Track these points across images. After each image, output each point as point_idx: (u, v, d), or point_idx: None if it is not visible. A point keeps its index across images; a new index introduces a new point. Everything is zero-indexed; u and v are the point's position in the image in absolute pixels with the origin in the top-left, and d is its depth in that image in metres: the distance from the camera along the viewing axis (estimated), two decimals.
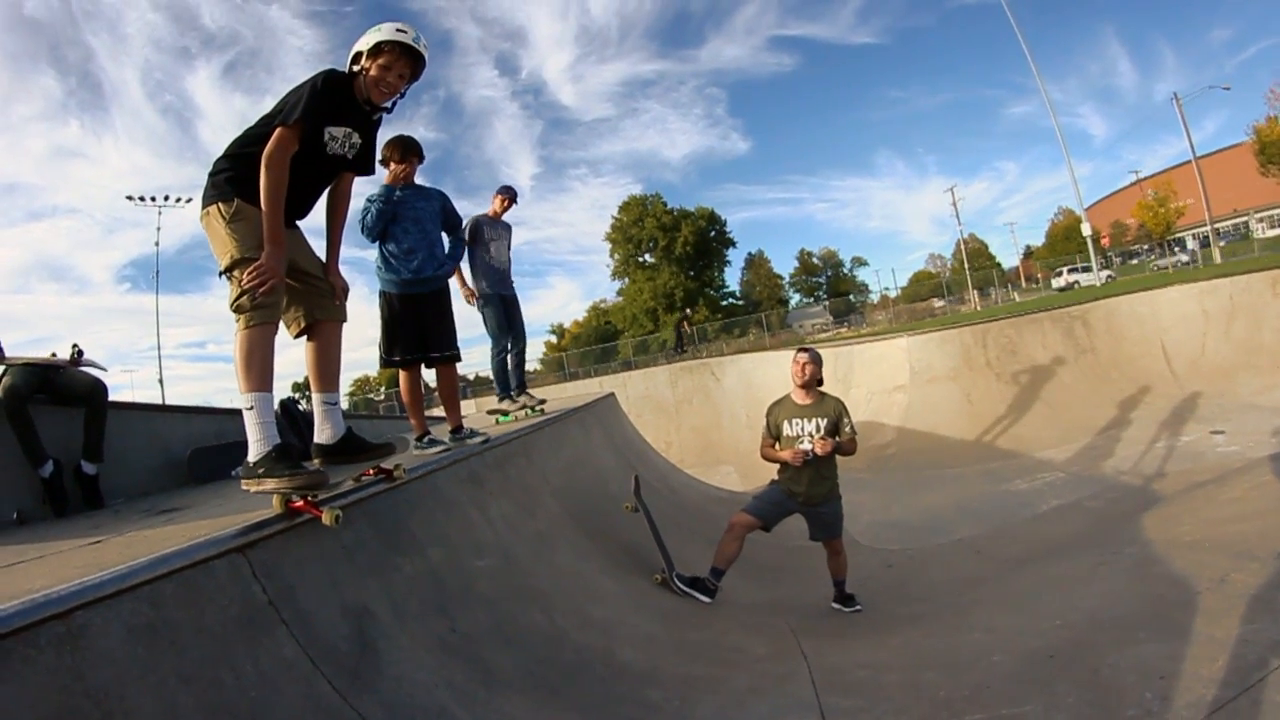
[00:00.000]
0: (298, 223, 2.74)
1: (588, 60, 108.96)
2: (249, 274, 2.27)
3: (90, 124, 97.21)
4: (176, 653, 1.67)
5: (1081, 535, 5.67)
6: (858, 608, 4.62)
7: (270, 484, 2.26)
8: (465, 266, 5.67)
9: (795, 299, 63.40)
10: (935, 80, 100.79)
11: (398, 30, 2.63)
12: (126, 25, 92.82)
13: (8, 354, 4.17)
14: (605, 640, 3.37)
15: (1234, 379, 9.53)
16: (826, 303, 53.90)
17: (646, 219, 55.64)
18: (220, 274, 2.40)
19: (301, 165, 2.49)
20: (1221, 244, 34.70)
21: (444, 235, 4.40)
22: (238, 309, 2.30)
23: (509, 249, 6.08)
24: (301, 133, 2.45)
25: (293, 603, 2.10)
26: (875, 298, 52.40)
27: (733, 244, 59.06)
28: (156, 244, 34.45)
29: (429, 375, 4.60)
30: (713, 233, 57.54)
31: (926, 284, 52.61)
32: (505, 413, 6.12)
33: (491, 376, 6.33)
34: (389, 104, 2.76)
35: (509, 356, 6.01)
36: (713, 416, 18.25)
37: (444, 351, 4.21)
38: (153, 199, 31.79)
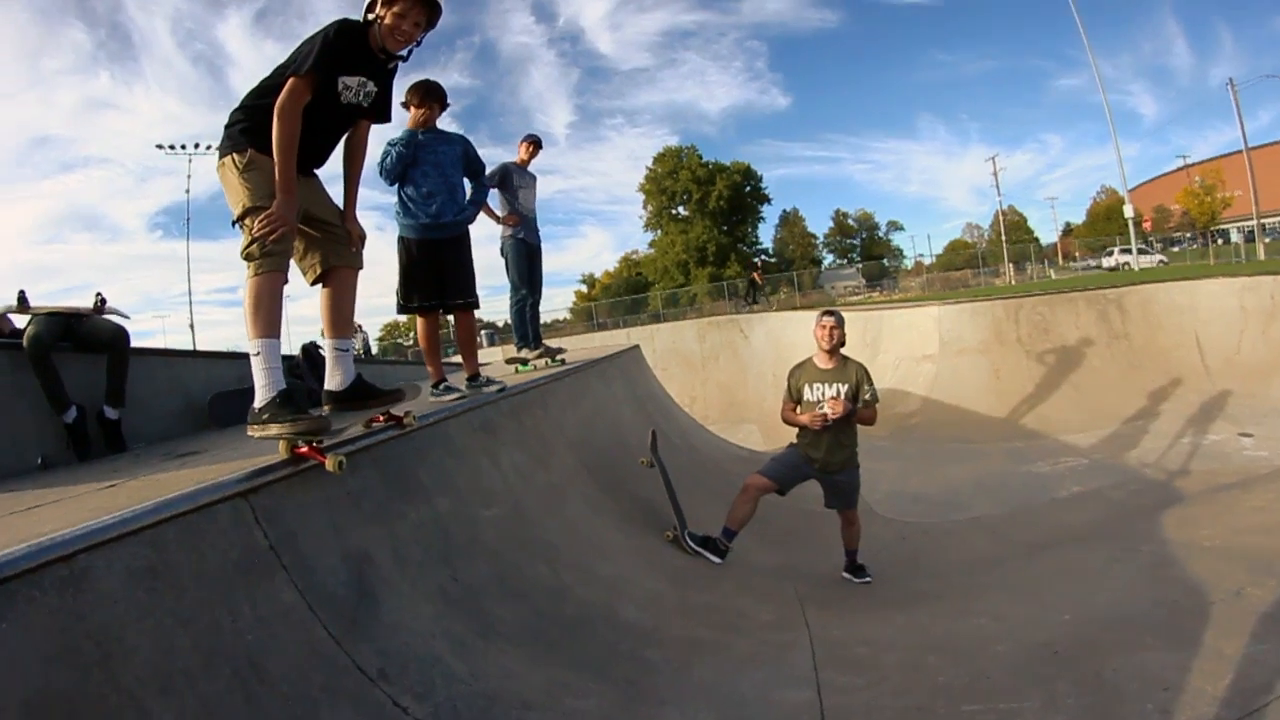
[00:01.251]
0: (315, 171, 2.75)
1: (627, 8, 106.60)
2: (260, 222, 2.29)
3: (120, 74, 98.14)
4: (175, 596, 1.70)
5: (1099, 525, 5.59)
6: (867, 579, 4.60)
7: (274, 429, 2.28)
8: (492, 205, 5.62)
9: (828, 260, 62.31)
10: (983, 45, 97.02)
11: None
12: None
13: (33, 304, 4.25)
14: (609, 597, 3.36)
15: (1268, 381, 9.16)
16: (859, 265, 52.97)
17: (681, 171, 54.65)
18: (233, 223, 2.42)
19: (315, 114, 2.49)
20: (1267, 240, 33.18)
21: (465, 180, 4.32)
22: (248, 256, 2.31)
23: (535, 198, 6.03)
24: (314, 83, 2.44)
25: (294, 548, 2.12)
26: (909, 264, 51.47)
27: (768, 200, 57.93)
28: (187, 191, 35.09)
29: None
30: (748, 188, 56.37)
31: (962, 254, 51.34)
32: (525, 361, 6.10)
33: (511, 325, 6.29)
34: (405, 52, 2.75)
35: (527, 307, 5.98)
36: (739, 374, 18.19)
37: (462, 298, 4.13)
38: (183, 147, 32.65)
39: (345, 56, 2.55)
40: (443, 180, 4.08)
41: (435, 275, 4.04)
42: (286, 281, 2.41)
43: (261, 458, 2.35)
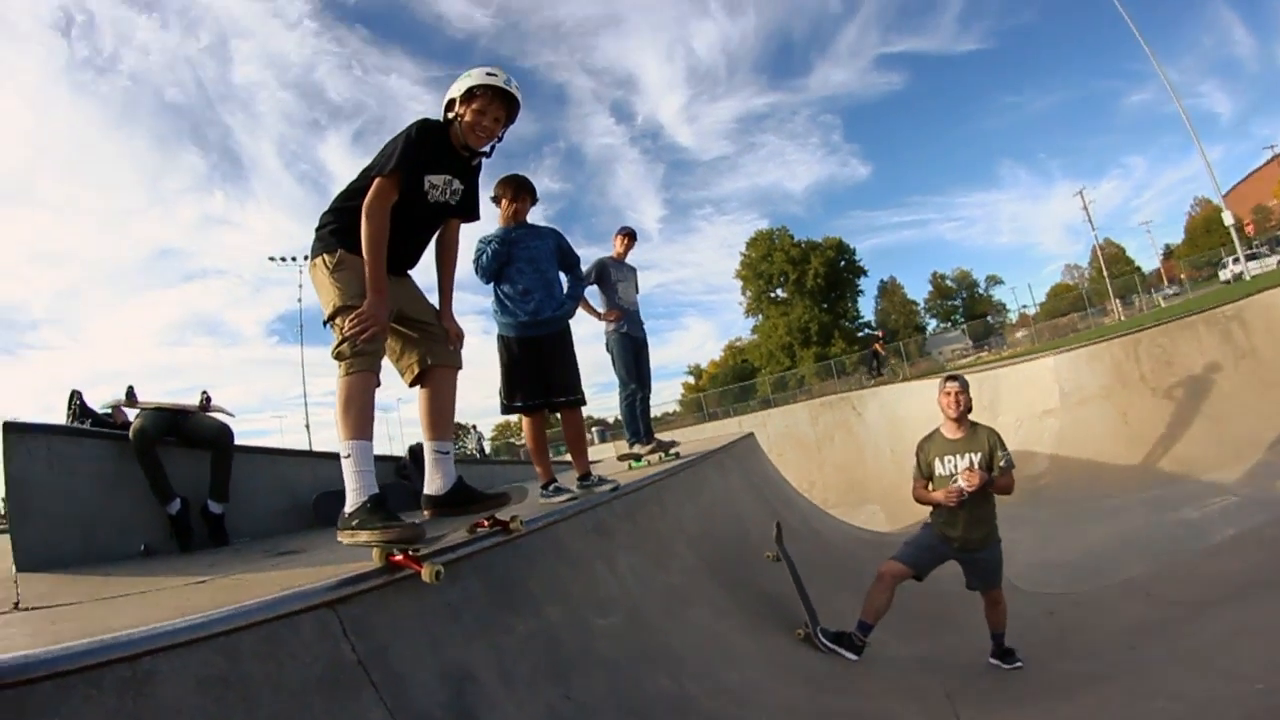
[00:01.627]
0: (408, 272, 2.79)
1: (700, 100, 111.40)
2: (350, 321, 2.30)
3: (234, 193, 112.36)
4: (247, 710, 1.60)
5: (1265, 571, 5.12)
6: (1018, 664, 4.24)
7: (364, 536, 2.19)
8: (592, 300, 5.67)
9: (931, 325, 60.48)
10: (1046, 79, 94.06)
11: (488, 74, 2.65)
12: (259, 104, 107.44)
13: (141, 399, 4.49)
14: (739, 709, 3.10)
15: None
16: (964, 326, 51.15)
17: (775, 253, 55.63)
18: (324, 323, 2.44)
19: (404, 214, 2.53)
20: None
21: (561, 274, 4.25)
22: (338, 356, 2.32)
23: (636, 290, 6.04)
24: (399, 182, 2.49)
25: (385, 664, 1.97)
26: (1014, 316, 49.07)
27: (864, 272, 57.94)
28: (299, 300, 36.16)
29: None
30: (842, 262, 56.49)
31: (1065, 297, 48.38)
32: (638, 457, 6.00)
33: (621, 420, 6.20)
34: (487, 148, 2.79)
35: (637, 402, 5.93)
36: (855, 453, 17.83)
37: (567, 395, 4.05)
38: (293, 259, 34.40)
39: (429, 155, 2.60)
40: (538, 276, 4.03)
41: (538, 373, 3.99)
42: (379, 384, 2.40)
43: (354, 564, 2.26)
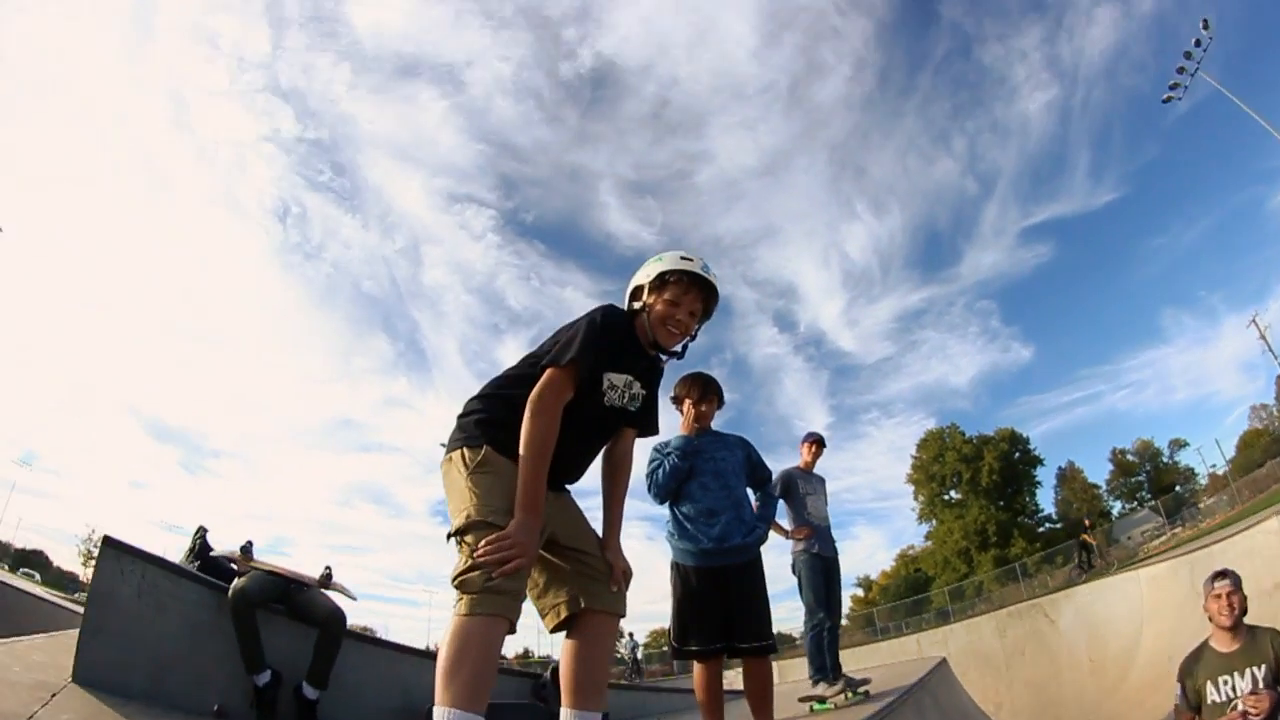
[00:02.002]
0: (567, 487, 2.26)
1: (858, 303, 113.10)
2: (488, 544, 1.75)
3: (416, 381, 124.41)
4: None
5: None
6: None
7: None
8: (780, 519, 5.10)
9: (1116, 508, 53.00)
10: (1188, 208, 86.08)
11: (683, 258, 2.26)
12: (445, 304, 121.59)
13: (257, 557, 4.22)
14: None
15: None
16: (1151, 504, 44.24)
17: (947, 453, 52.81)
18: (449, 536, 1.88)
19: (574, 417, 2.04)
20: None
21: (750, 491, 3.69)
22: (461, 586, 1.74)
23: (826, 503, 5.47)
24: (577, 376, 2.03)
25: None
26: (1203, 480, 41.87)
27: (1040, 462, 53.09)
28: None
29: None
30: (1016, 454, 52.27)
31: (1257, 445, 40.98)
32: (823, 700, 5.13)
33: (805, 654, 5.38)
34: (679, 347, 2.32)
35: (825, 632, 5.19)
36: (1049, 667, 15.06)
37: (754, 641, 3.28)
38: None
39: (613, 349, 2.15)
40: (726, 494, 3.45)
41: (720, 612, 3.30)
42: (512, 631, 1.78)
43: None
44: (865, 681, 5.32)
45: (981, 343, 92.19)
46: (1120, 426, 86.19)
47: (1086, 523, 32.89)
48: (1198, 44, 23.03)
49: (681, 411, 3.66)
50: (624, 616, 2.19)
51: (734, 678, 3.51)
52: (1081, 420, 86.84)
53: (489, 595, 1.73)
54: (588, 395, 2.11)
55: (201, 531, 4.50)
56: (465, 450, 2.00)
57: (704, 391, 3.62)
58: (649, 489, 3.58)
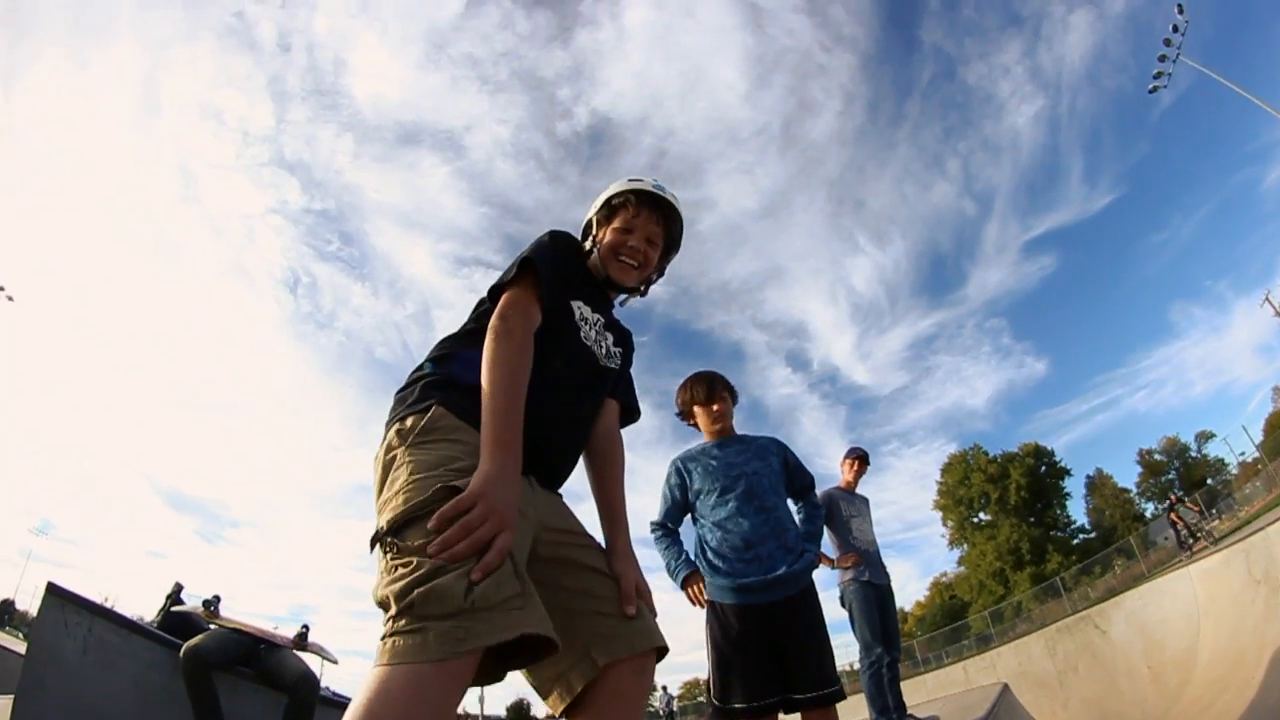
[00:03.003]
0: (556, 488, 1.63)
1: (869, 335, 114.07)
2: (446, 510, 1.11)
3: None
4: None
5: None
6: None
7: None
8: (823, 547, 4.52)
9: (1149, 509, 51.56)
10: (1184, 199, 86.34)
11: (630, 180, 1.84)
12: None
13: (224, 613, 3.87)
14: None
15: None
16: (1187, 500, 43.06)
17: (972, 475, 51.74)
18: (372, 541, 1.19)
19: (553, 361, 1.51)
20: None
21: (791, 504, 3.02)
22: (423, 601, 1.04)
23: (872, 525, 5.04)
24: (540, 290, 1.51)
25: None
26: (1234, 469, 40.63)
27: (1067, 473, 51.88)
28: None
29: None
30: (1043, 468, 51.26)
31: None
32: None
33: (864, 694, 4.80)
34: (638, 283, 1.84)
35: (884, 669, 4.67)
36: (1106, 680, 14.19)
37: (817, 689, 2.60)
38: None
39: (574, 273, 1.70)
40: (763, 518, 2.79)
41: (770, 657, 2.65)
42: (486, 682, 1.19)
43: None
44: (933, 719, 4.83)
45: (995, 361, 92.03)
46: (1144, 427, 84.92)
47: (1172, 498, 30.24)
48: (1175, 30, 23.12)
49: (696, 424, 3.09)
50: (664, 649, 1.45)
51: None
52: (1104, 426, 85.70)
53: (475, 617, 1.02)
54: (561, 329, 1.59)
55: (177, 588, 4.20)
56: (404, 420, 1.36)
57: (710, 388, 3.03)
58: (654, 531, 2.99)
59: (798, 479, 3.04)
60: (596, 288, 1.79)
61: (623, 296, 1.89)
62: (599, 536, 1.62)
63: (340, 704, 3.98)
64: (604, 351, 1.70)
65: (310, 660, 4.01)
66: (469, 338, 1.50)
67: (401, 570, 1.08)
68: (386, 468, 1.31)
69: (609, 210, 1.82)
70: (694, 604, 2.78)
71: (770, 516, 2.81)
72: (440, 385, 1.43)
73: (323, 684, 3.97)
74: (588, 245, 1.83)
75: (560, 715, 1.38)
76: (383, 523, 1.17)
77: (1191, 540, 22.92)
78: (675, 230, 1.87)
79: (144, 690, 3.40)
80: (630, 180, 1.84)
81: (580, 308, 1.66)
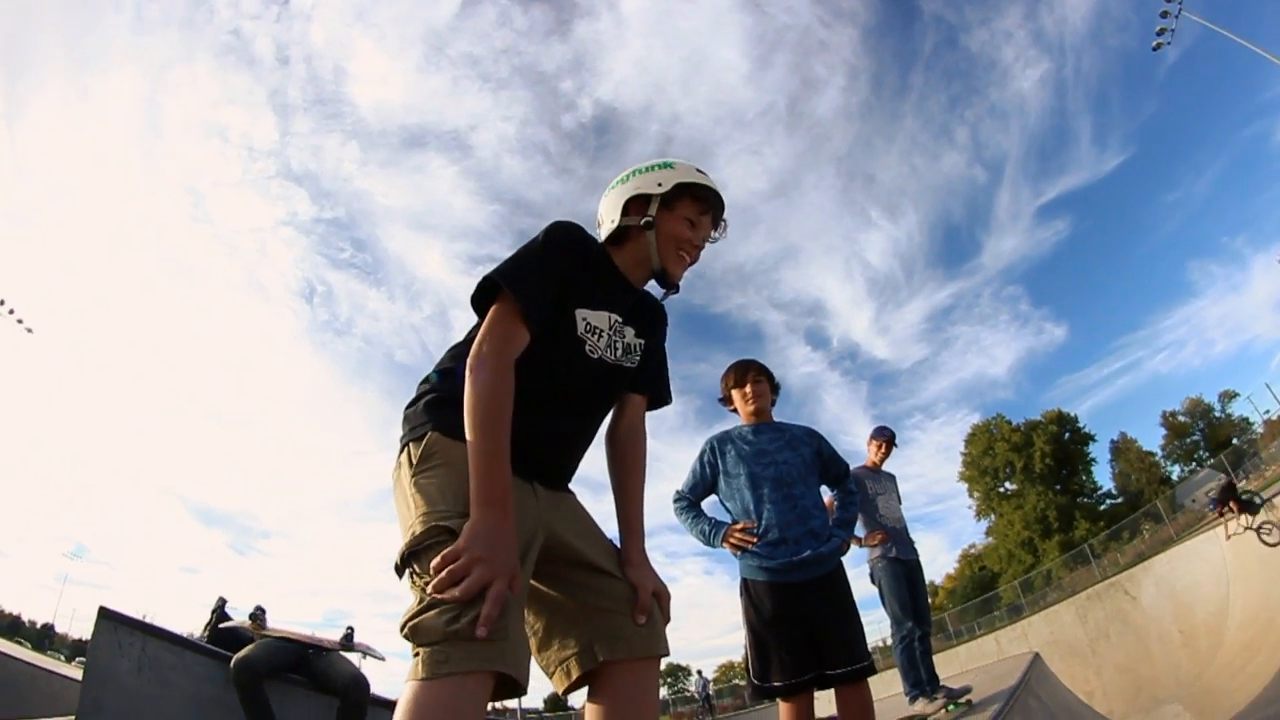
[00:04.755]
0: (566, 486, 1.66)
1: (887, 309, 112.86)
2: (437, 563, 1.19)
3: None
4: None
5: None
6: None
7: None
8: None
9: (1175, 471, 50.84)
10: (1195, 156, 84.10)
11: (699, 171, 1.72)
12: None
13: (270, 624, 3.97)
14: None
15: None
16: (1211, 461, 42.33)
17: (996, 444, 51.21)
18: (397, 569, 1.29)
19: (552, 378, 1.52)
20: None
21: (824, 490, 3.14)
22: (413, 634, 1.17)
23: (900, 501, 5.12)
24: (524, 312, 1.44)
25: None
26: (1259, 428, 39.99)
27: (1091, 439, 51.29)
28: None
29: None
30: (1067, 434, 50.60)
31: None
32: (923, 717, 4.68)
33: (897, 669, 4.93)
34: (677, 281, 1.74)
35: (915, 643, 4.76)
36: (1138, 646, 14.21)
37: (849, 664, 2.69)
38: None
39: (579, 277, 1.58)
40: (790, 507, 2.87)
41: (804, 634, 2.75)
42: (514, 693, 1.24)
43: None
44: (966, 690, 4.81)
45: (1014, 329, 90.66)
46: (1166, 389, 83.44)
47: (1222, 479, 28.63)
48: None
49: (736, 409, 3.17)
50: (665, 655, 1.50)
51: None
52: (1126, 390, 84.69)
53: (458, 645, 1.13)
54: (561, 344, 1.53)
55: (221, 603, 4.30)
56: (410, 447, 1.43)
57: (741, 372, 3.12)
58: (677, 512, 3.08)
59: (832, 468, 3.12)
60: (613, 279, 1.67)
61: (663, 292, 1.79)
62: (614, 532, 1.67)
63: (389, 704, 4.00)
64: (619, 353, 1.65)
65: (358, 661, 4.12)
66: (463, 351, 1.49)
67: (410, 601, 1.22)
68: (398, 493, 1.42)
69: (679, 194, 1.67)
70: (743, 547, 2.86)
71: (797, 505, 2.88)
72: (439, 404, 1.46)
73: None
74: (638, 220, 1.66)
75: (563, 694, 1.50)
76: (397, 556, 1.29)
77: (1255, 505, 22.01)
78: (717, 235, 1.82)
79: (198, 704, 3.53)
80: (699, 171, 1.72)
81: (586, 317, 1.58)
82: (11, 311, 32.80)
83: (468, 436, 1.31)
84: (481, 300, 1.51)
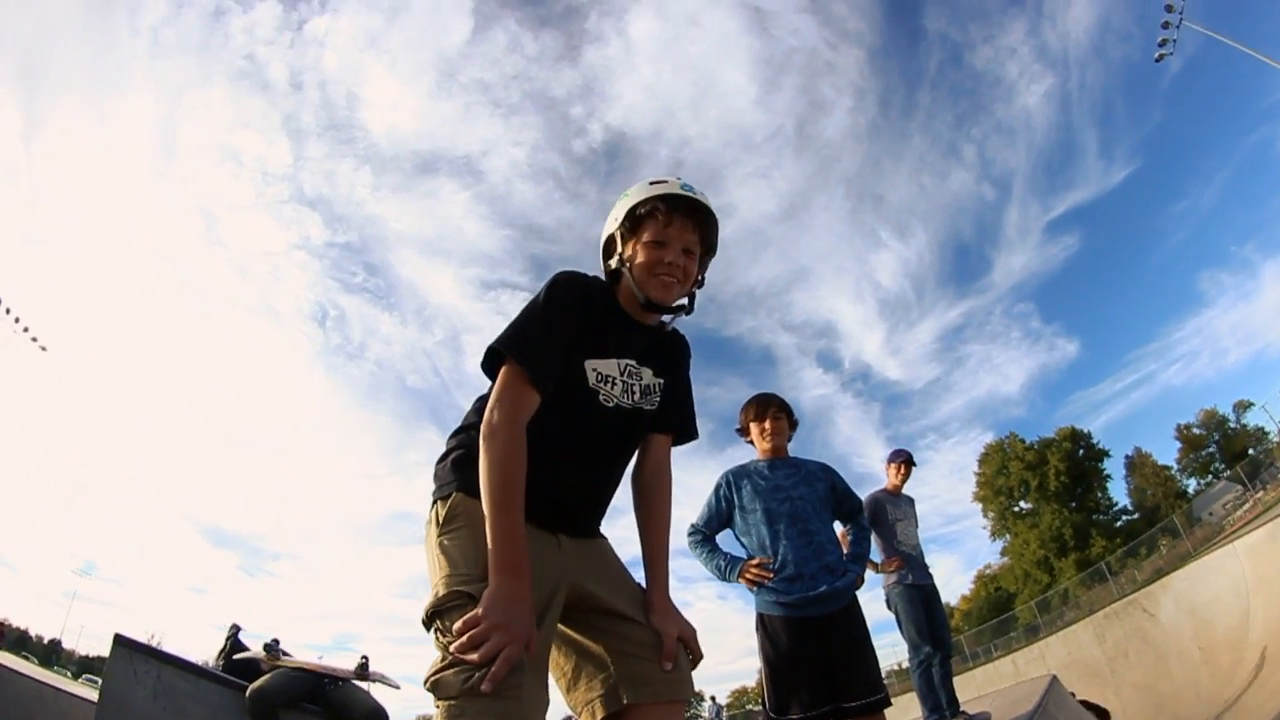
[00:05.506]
0: (596, 531, 1.70)
1: (898, 330, 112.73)
2: (459, 629, 1.27)
3: None
4: None
5: None
6: None
7: None
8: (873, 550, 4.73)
9: (1191, 485, 50.31)
10: (1202, 165, 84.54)
11: (652, 184, 1.67)
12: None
13: (288, 654, 3.97)
14: None
15: None
16: (1228, 473, 41.78)
17: (1010, 463, 51.07)
18: (424, 623, 1.37)
19: (569, 432, 1.56)
20: None
21: (838, 526, 3.22)
22: (435, 689, 1.27)
23: (918, 527, 5.14)
24: (532, 376, 1.48)
25: None
26: (1275, 438, 39.55)
27: (1106, 455, 51.01)
28: None
29: None
30: (1081, 451, 50.43)
31: None
32: None
33: (915, 693, 4.98)
34: (683, 300, 1.70)
35: (934, 667, 4.78)
36: (1158, 664, 13.93)
37: (865, 696, 2.77)
38: None
39: (584, 328, 1.59)
40: (805, 542, 2.94)
41: (820, 667, 2.81)
42: None
43: None
44: (985, 716, 4.80)
45: (1026, 346, 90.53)
46: (1180, 401, 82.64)
47: None
48: None
49: (752, 442, 3.23)
50: (688, 699, 1.57)
51: None
52: (1140, 404, 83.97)
53: (472, 700, 1.23)
54: (574, 398, 1.55)
55: (234, 630, 4.34)
56: (438, 505, 1.50)
57: (762, 407, 3.18)
58: (692, 546, 3.13)
59: (846, 504, 3.20)
60: (622, 323, 1.67)
61: (668, 318, 1.76)
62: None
63: None
64: (636, 396, 1.66)
65: (373, 689, 4.15)
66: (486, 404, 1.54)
67: (434, 656, 1.32)
68: (427, 549, 1.49)
69: (634, 222, 1.64)
70: (759, 582, 2.92)
71: (813, 540, 2.96)
72: (465, 463, 1.50)
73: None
74: (613, 264, 1.67)
75: None
76: (423, 612, 1.37)
77: None
78: (711, 234, 1.71)
79: None
80: (652, 184, 1.66)
81: (596, 368, 1.60)
82: (26, 329, 33.25)
83: (484, 507, 1.37)
84: (491, 365, 1.55)
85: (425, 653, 1.35)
